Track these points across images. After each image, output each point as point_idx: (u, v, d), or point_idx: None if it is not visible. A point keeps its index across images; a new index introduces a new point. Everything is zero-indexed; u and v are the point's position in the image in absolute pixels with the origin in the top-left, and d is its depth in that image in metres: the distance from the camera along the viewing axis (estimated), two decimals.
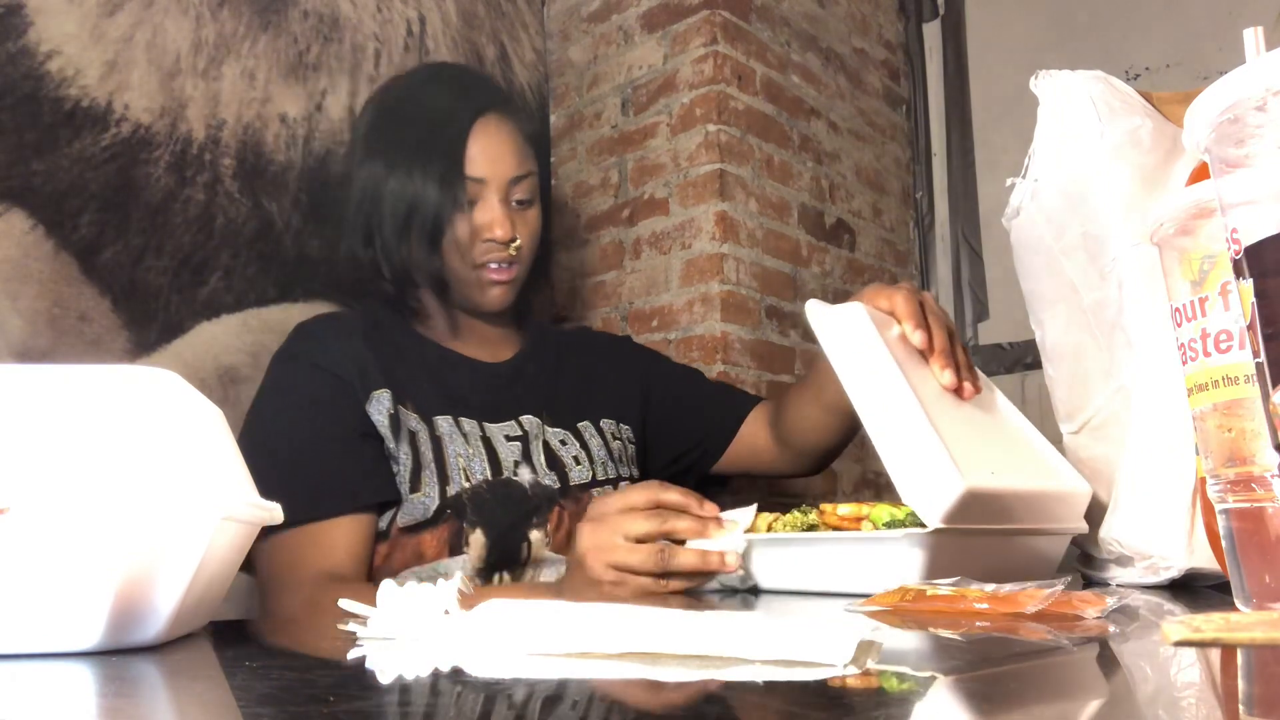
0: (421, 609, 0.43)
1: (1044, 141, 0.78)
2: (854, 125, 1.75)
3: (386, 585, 0.45)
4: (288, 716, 0.28)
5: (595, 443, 1.01)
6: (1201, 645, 0.24)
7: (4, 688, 0.32)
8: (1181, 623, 0.22)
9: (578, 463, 0.98)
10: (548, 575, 0.93)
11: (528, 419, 0.99)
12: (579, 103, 1.65)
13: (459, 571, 0.47)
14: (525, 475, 0.95)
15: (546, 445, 0.98)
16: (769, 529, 0.73)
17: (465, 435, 0.94)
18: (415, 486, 0.90)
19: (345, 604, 0.46)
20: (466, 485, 0.91)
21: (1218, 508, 0.44)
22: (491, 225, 0.96)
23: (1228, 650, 0.35)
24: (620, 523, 0.71)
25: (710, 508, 0.73)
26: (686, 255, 1.46)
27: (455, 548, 0.90)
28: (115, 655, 0.38)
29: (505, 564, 0.91)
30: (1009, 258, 0.88)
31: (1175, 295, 0.48)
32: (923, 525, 0.63)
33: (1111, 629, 0.45)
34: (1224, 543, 0.44)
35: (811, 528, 0.70)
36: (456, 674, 0.34)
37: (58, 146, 1.13)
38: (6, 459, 0.36)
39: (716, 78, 1.46)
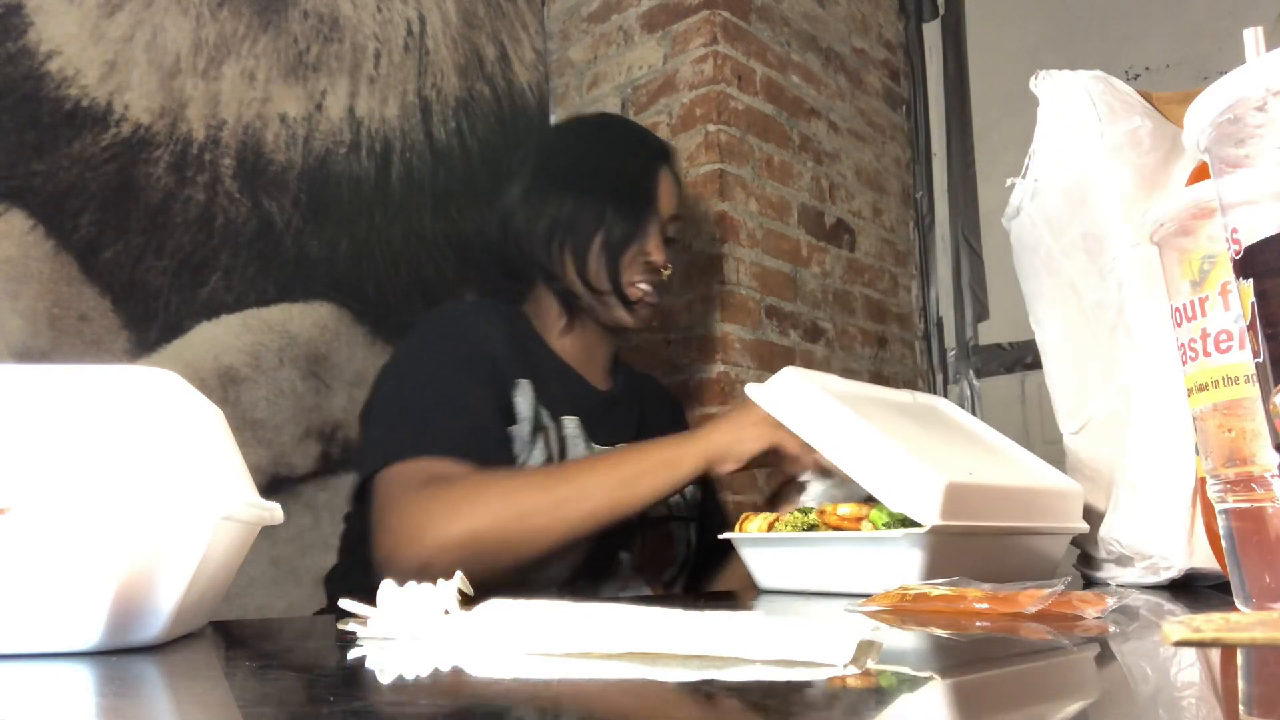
0: (421, 609, 0.43)
1: (1044, 141, 0.78)
2: (854, 125, 1.75)
3: (386, 585, 0.45)
4: (288, 716, 0.28)
5: None
6: (1201, 645, 0.24)
7: (4, 688, 0.32)
8: (1181, 623, 0.22)
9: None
10: (614, 590, 0.99)
11: (621, 448, 1.04)
12: (579, 103, 1.65)
13: (456, 580, 0.46)
14: None
15: None
16: (769, 529, 0.73)
17: (584, 443, 1.00)
18: None
19: (345, 604, 0.46)
20: None
21: (1218, 508, 0.44)
22: (654, 249, 1.07)
23: (1228, 650, 0.35)
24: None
25: None
26: (686, 255, 1.46)
27: (561, 552, 0.93)
28: (115, 655, 0.38)
29: (596, 574, 0.96)
30: (1009, 258, 0.88)
31: (1175, 295, 0.48)
32: (922, 525, 0.63)
33: (1111, 629, 0.45)
34: (1224, 543, 0.44)
35: (811, 528, 0.70)
36: (456, 674, 0.34)
37: (58, 146, 1.13)
38: (6, 459, 0.36)
39: (716, 78, 1.46)
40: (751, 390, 0.80)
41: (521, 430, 0.95)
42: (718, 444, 0.83)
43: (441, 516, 0.81)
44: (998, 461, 0.79)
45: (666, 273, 1.09)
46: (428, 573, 0.77)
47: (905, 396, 0.90)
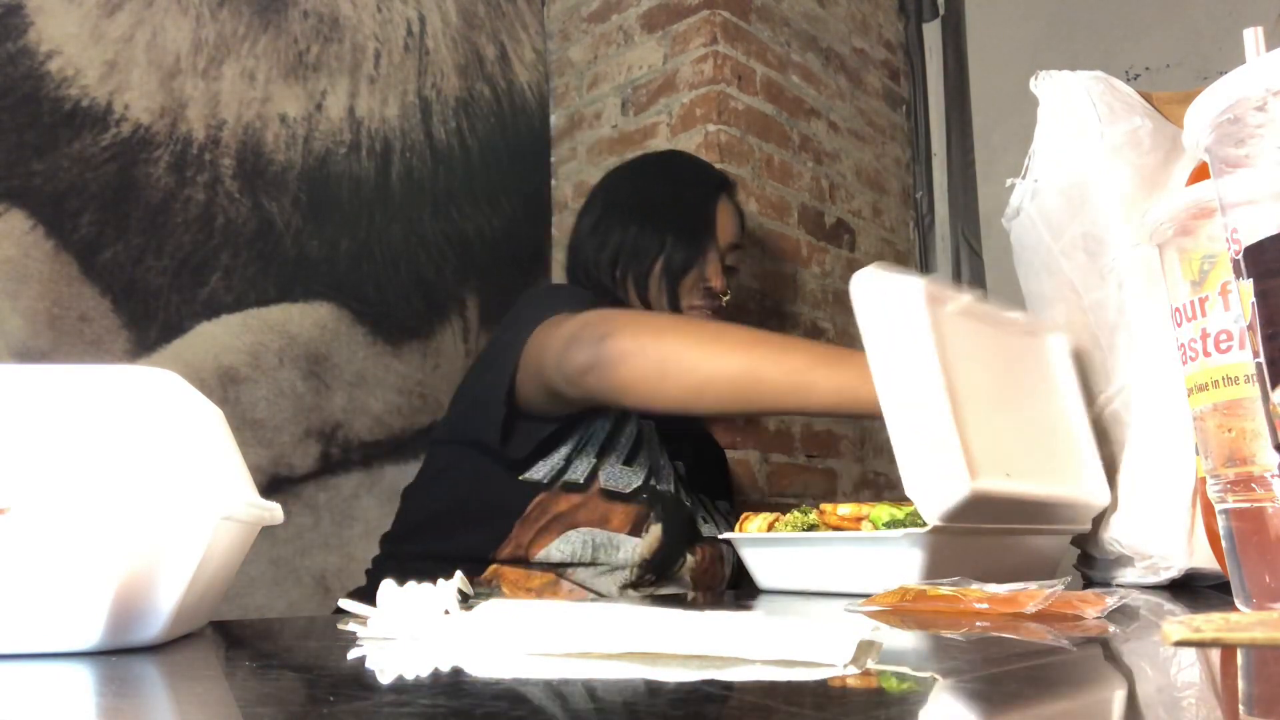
0: (421, 609, 0.43)
1: (1044, 142, 0.78)
2: (854, 125, 1.75)
3: (387, 585, 0.45)
4: (288, 716, 0.28)
5: (719, 511, 1.11)
6: (1201, 645, 0.24)
7: (4, 688, 0.32)
8: (1181, 623, 0.22)
9: (705, 520, 1.06)
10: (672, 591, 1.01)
11: (679, 464, 1.07)
12: (579, 103, 1.65)
13: (456, 580, 0.46)
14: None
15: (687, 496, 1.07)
16: (769, 529, 0.73)
17: (658, 443, 1.02)
18: (631, 459, 0.97)
19: (345, 604, 0.46)
20: (659, 486, 0.98)
21: (1218, 508, 0.44)
22: (713, 275, 1.10)
23: (1228, 650, 0.35)
24: None
25: None
26: None
27: (636, 530, 0.95)
28: (115, 655, 0.38)
29: (662, 569, 0.97)
30: (1009, 258, 0.88)
31: (1175, 295, 0.48)
32: (922, 525, 0.63)
33: (1111, 629, 0.45)
34: (1224, 543, 0.44)
35: (811, 528, 0.70)
36: (456, 674, 0.34)
37: (58, 146, 1.13)
38: (6, 459, 0.36)
39: (716, 78, 1.46)
40: (862, 281, 0.67)
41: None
42: None
43: (613, 323, 0.81)
44: (1048, 459, 0.72)
45: (725, 299, 1.12)
46: (588, 379, 0.80)
47: (1022, 329, 0.77)
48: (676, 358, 0.78)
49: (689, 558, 1.00)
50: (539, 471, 0.95)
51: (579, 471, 0.95)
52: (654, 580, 0.98)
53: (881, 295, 0.66)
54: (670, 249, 1.08)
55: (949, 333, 0.66)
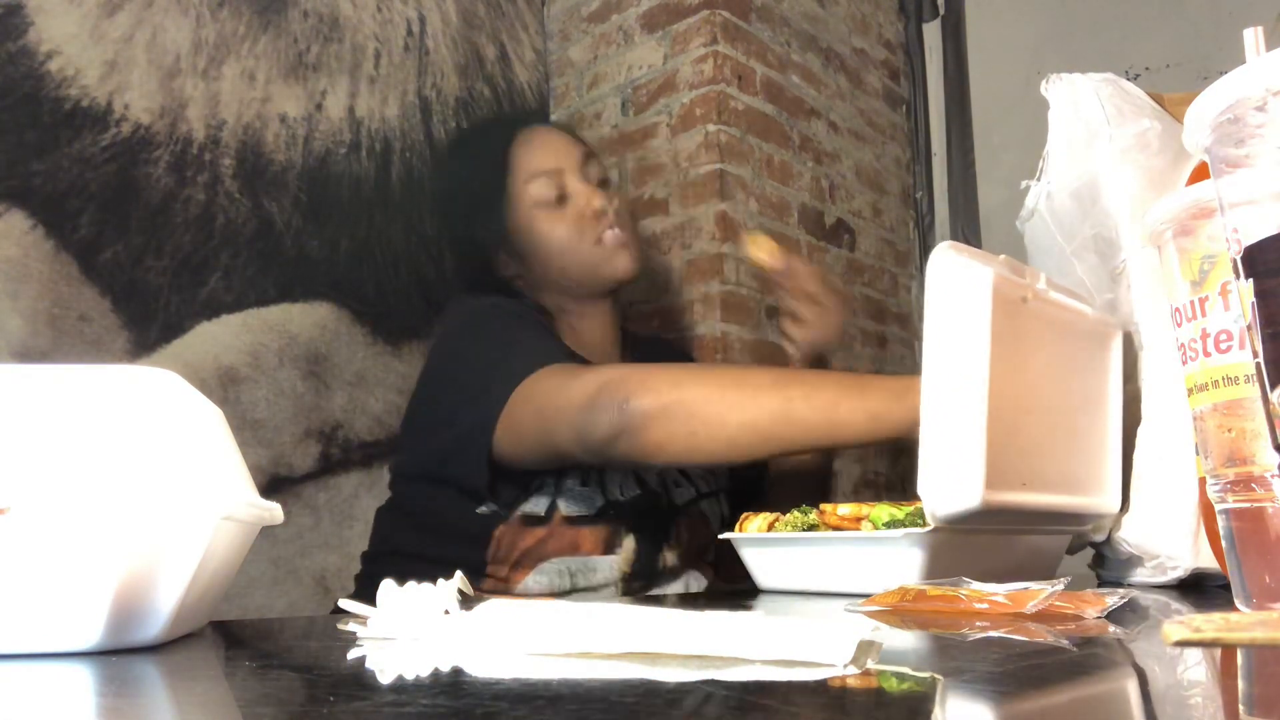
0: (421, 609, 0.43)
1: (1056, 144, 0.79)
2: (854, 125, 1.75)
3: (387, 585, 0.45)
4: (288, 716, 0.28)
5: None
6: (1201, 646, 0.24)
7: (4, 688, 0.32)
8: (1181, 623, 0.22)
9: (677, 485, 1.03)
10: (668, 582, 0.99)
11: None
12: (579, 103, 1.65)
13: (456, 580, 0.46)
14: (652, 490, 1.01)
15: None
16: (769, 529, 0.73)
17: None
18: (587, 479, 0.94)
19: (345, 604, 0.46)
20: (621, 497, 0.95)
21: (1217, 508, 0.44)
22: (587, 200, 1.04)
23: (1228, 650, 0.35)
24: None
25: None
26: (687, 255, 1.46)
27: (609, 548, 0.94)
28: (115, 655, 0.38)
29: (645, 575, 0.96)
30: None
31: (1175, 295, 0.48)
32: (922, 525, 0.63)
33: (1111, 629, 0.45)
34: (1224, 543, 0.44)
35: (811, 528, 0.70)
36: (456, 674, 0.34)
37: (58, 146, 1.13)
38: (6, 459, 0.36)
39: (716, 78, 1.46)
40: (940, 258, 0.64)
41: None
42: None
43: (629, 385, 0.78)
44: (1075, 454, 0.71)
45: (614, 205, 1.06)
46: (616, 446, 0.78)
47: (1087, 325, 0.75)
48: (705, 413, 0.76)
49: (666, 553, 0.98)
50: (498, 504, 0.93)
51: (539, 505, 0.92)
52: (645, 585, 0.97)
53: (951, 281, 0.64)
54: (486, 222, 1.04)
55: (1008, 330, 0.64)
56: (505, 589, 0.92)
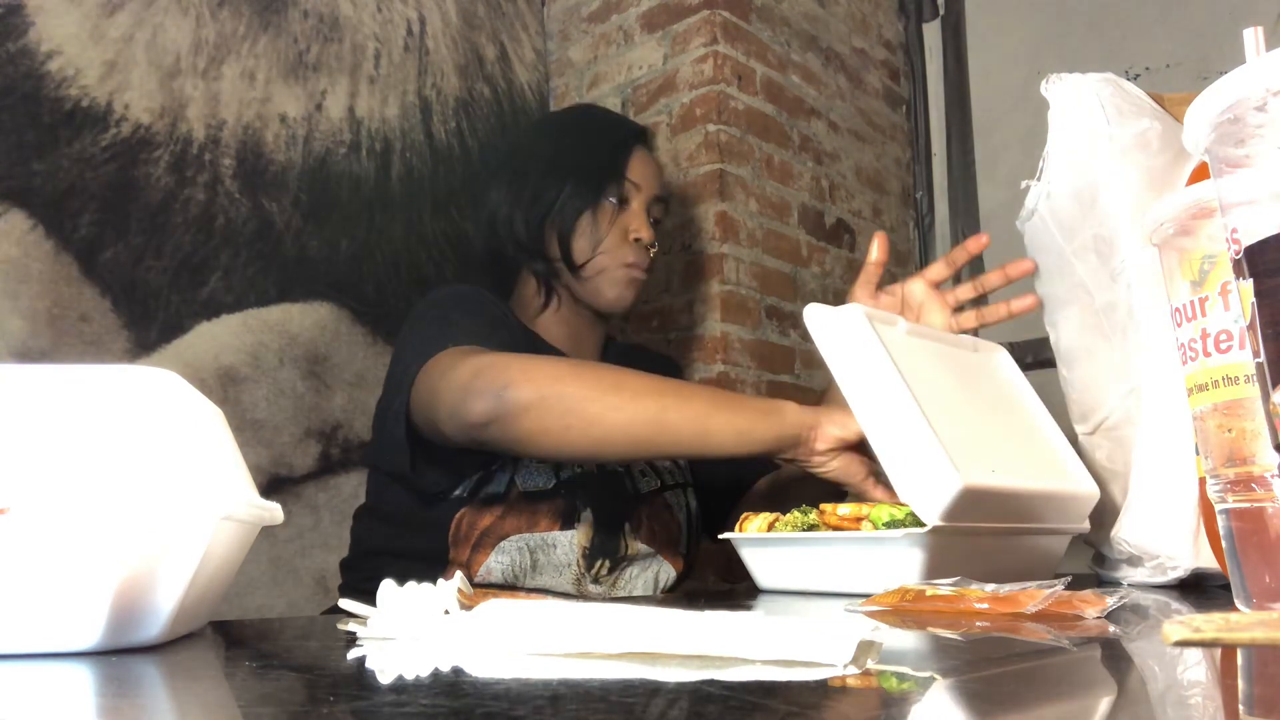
0: (421, 609, 0.43)
1: (1056, 144, 0.79)
2: (854, 125, 1.75)
3: (386, 585, 0.45)
4: (288, 716, 0.28)
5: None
6: (1201, 645, 0.24)
7: (4, 688, 0.32)
8: (1181, 623, 0.22)
9: (644, 475, 1.04)
10: (636, 572, 0.99)
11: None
12: (579, 102, 1.65)
13: (456, 580, 0.46)
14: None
15: None
16: (769, 529, 0.73)
17: None
18: None
19: (345, 604, 0.46)
20: (579, 469, 0.96)
21: (1217, 508, 0.44)
22: (640, 227, 1.08)
23: (1228, 650, 0.35)
24: None
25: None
26: (686, 255, 1.46)
27: (567, 523, 0.94)
28: (115, 655, 0.38)
29: (606, 553, 0.96)
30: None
31: (1175, 295, 0.48)
32: (922, 525, 0.63)
33: (1111, 629, 0.45)
34: (1224, 543, 0.44)
35: (811, 528, 0.70)
36: (456, 674, 0.34)
37: (58, 146, 1.13)
38: (6, 459, 0.36)
39: (716, 78, 1.46)
40: (811, 311, 0.75)
41: None
42: (828, 419, 0.77)
43: (510, 372, 0.79)
44: (1028, 456, 0.76)
45: (653, 251, 1.09)
46: (488, 431, 0.78)
47: (968, 346, 0.87)
48: (580, 410, 0.77)
49: (628, 529, 0.98)
50: (460, 489, 0.94)
51: (500, 483, 0.93)
52: (609, 565, 0.97)
53: (831, 324, 0.73)
54: (569, 195, 1.05)
55: (903, 351, 0.72)
56: (468, 575, 0.92)
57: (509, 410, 0.77)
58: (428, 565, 0.90)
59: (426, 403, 0.84)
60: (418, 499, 0.95)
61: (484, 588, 0.93)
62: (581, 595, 0.95)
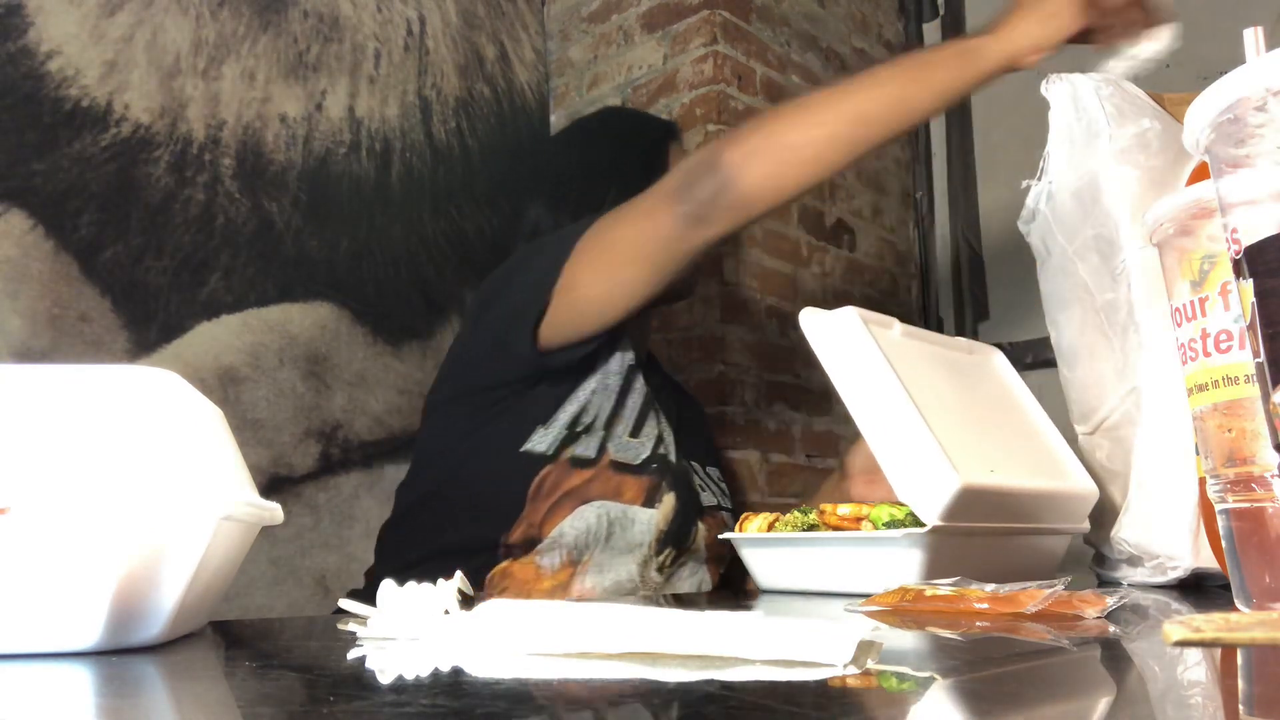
0: (421, 609, 0.43)
1: (1056, 144, 0.79)
2: None
3: (386, 585, 0.45)
4: (288, 716, 0.28)
5: (710, 477, 1.10)
6: (1201, 645, 0.24)
7: (4, 688, 0.32)
8: (1181, 623, 0.22)
9: (702, 489, 1.05)
10: (687, 573, 1.00)
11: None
12: (579, 103, 1.65)
13: (457, 580, 0.46)
14: None
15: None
16: (769, 529, 0.73)
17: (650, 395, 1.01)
18: (637, 430, 0.96)
19: (345, 604, 0.46)
20: (667, 455, 0.98)
21: (1217, 508, 0.44)
22: None
23: (1228, 650, 0.35)
24: None
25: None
26: None
27: (649, 501, 0.95)
28: (115, 655, 0.38)
29: (679, 540, 0.97)
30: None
31: (1175, 295, 0.48)
32: (922, 525, 0.63)
33: (1112, 629, 0.45)
34: (1224, 543, 0.44)
35: (811, 528, 0.70)
36: (456, 674, 0.34)
37: (58, 146, 1.13)
38: (6, 459, 0.36)
39: (716, 78, 1.46)
40: (806, 318, 0.78)
41: (637, 377, 0.98)
42: (1025, 35, 0.80)
43: (703, 155, 0.83)
44: (1026, 456, 0.77)
45: None
46: (717, 206, 0.82)
47: (962, 348, 0.87)
48: (787, 142, 0.81)
49: (700, 526, 0.99)
50: (540, 443, 0.92)
51: (589, 447, 0.93)
52: (674, 556, 0.97)
53: (827, 328, 0.75)
54: (614, 198, 1.03)
55: (899, 353, 0.73)
56: (535, 535, 0.91)
57: (732, 172, 0.81)
58: (493, 521, 0.91)
59: (605, 262, 0.87)
60: (496, 450, 0.94)
61: (546, 553, 0.92)
62: (642, 581, 0.95)
